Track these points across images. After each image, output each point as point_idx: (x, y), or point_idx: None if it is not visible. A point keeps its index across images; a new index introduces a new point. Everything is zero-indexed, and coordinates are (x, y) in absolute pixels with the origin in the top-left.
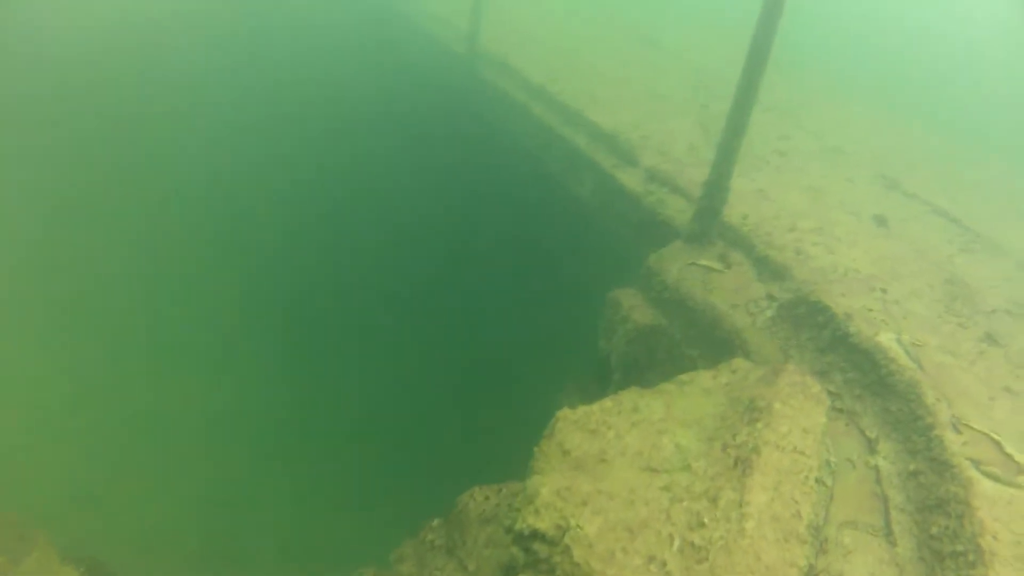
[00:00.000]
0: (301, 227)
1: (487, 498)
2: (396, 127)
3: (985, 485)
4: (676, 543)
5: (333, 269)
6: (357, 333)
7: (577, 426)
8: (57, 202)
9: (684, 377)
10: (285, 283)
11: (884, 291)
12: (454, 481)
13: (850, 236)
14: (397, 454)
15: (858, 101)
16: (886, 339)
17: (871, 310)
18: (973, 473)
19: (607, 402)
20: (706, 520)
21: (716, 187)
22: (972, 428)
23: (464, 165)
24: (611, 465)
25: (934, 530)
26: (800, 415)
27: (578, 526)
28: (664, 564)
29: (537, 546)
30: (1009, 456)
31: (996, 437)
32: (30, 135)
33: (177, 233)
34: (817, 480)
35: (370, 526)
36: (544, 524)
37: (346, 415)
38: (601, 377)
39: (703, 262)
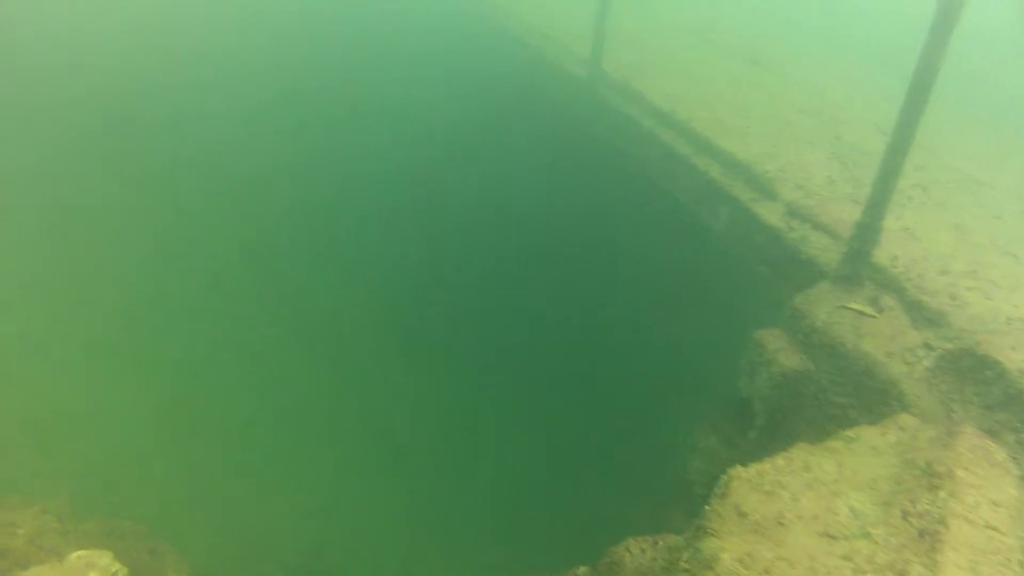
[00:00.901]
0: (425, 253)
1: (643, 551)
2: (519, 154)
3: None
4: None
5: (458, 296)
6: (482, 360)
7: (751, 486)
8: (123, 210)
9: (850, 433)
10: (408, 306)
11: None
12: (581, 518)
13: (1008, 280)
14: (517, 486)
15: (982, 123)
16: None
17: None
18: None
19: (779, 460)
20: None
21: (868, 228)
22: None
23: (588, 192)
24: (789, 530)
25: None
26: (987, 485)
27: None
28: None
29: None
30: None
31: None
32: (94, 130)
33: (290, 237)
34: (1020, 563)
35: (483, 556)
36: None
37: (463, 439)
38: (740, 419)
39: (853, 306)
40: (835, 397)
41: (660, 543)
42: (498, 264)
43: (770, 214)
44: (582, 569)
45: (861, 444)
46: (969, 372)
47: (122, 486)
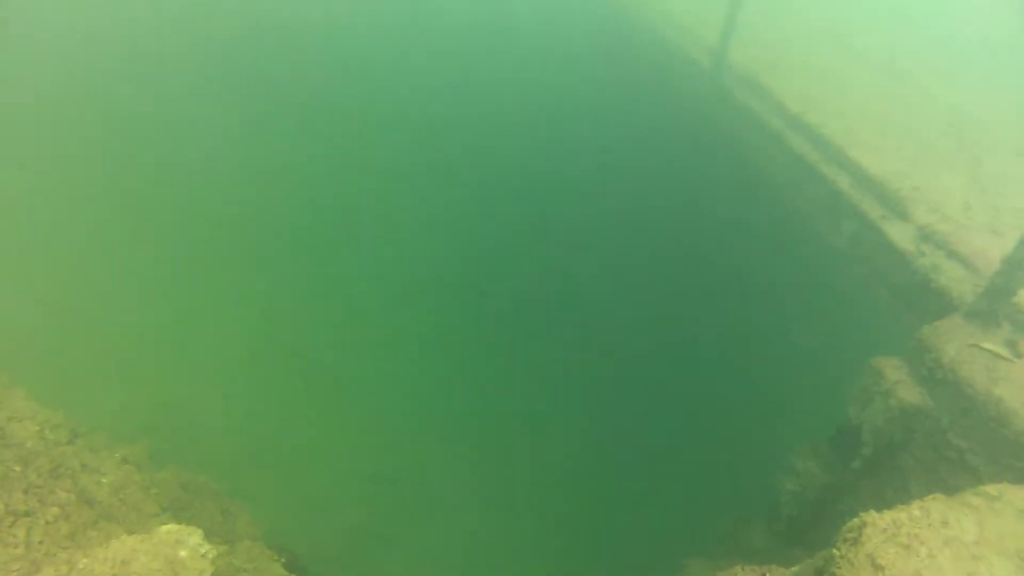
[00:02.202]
0: (523, 250)
1: None
2: (634, 141)
3: None
4: None
5: (552, 288)
6: (571, 357)
7: (886, 536)
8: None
9: (991, 490)
10: (490, 293)
11: None
12: (659, 522)
13: None
14: (593, 481)
15: None
16: None
17: None
18: None
19: (915, 511)
20: None
21: (1019, 265)
22: None
23: (704, 186)
24: None
25: None
26: None
27: None
28: None
29: None
30: None
31: None
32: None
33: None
34: None
35: (546, 542)
36: None
37: (539, 427)
38: (843, 446)
39: (987, 346)
40: (955, 440)
41: (767, 575)
42: (595, 254)
43: (900, 235)
44: None
45: (1004, 505)
46: None
47: (198, 435)
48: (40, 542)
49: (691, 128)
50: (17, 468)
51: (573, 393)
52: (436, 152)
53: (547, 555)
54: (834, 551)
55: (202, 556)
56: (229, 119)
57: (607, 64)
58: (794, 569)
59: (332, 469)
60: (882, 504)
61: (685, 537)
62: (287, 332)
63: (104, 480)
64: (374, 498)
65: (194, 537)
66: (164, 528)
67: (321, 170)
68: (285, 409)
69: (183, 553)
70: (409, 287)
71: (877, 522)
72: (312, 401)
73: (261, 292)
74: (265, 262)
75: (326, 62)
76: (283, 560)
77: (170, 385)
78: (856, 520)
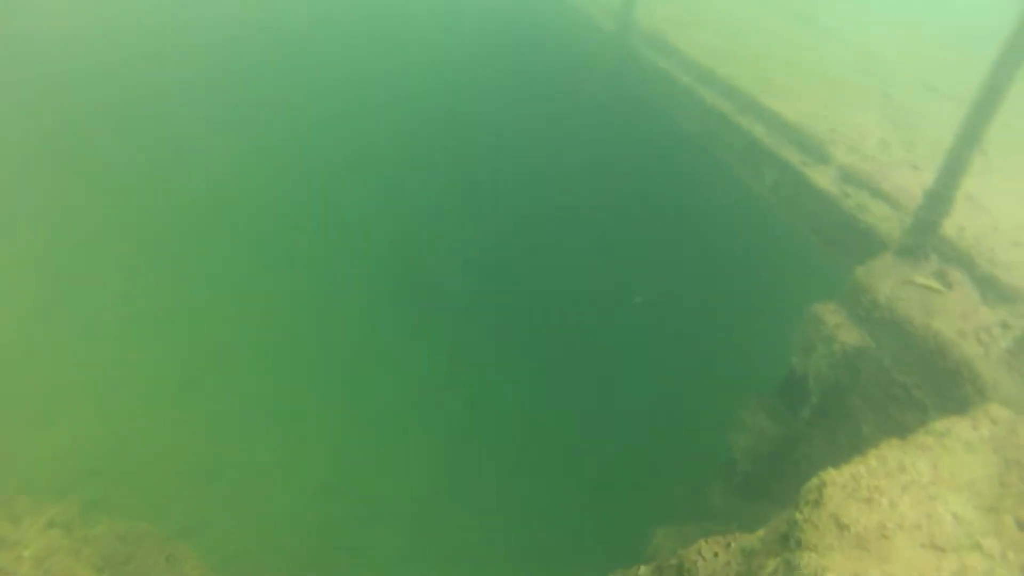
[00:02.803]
0: (441, 212)
1: (716, 555)
2: (541, 113)
3: None
4: None
5: (478, 261)
6: (507, 331)
7: (847, 492)
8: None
9: (939, 427)
10: (423, 268)
11: None
12: (618, 493)
13: None
14: (546, 461)
15: None
16: None
17: None
18: None
19: (871, 461)
20: None
21: (939, 198)
22: None
23: (620, 152)
24: (893, 542)
25: None
26: None
27: None
28: None
29: None
30: None
31: None
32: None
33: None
34: None
35: (505, 532)
36: None
37: (487, 412)
38: (791, 395)
39: (920, 280)
40: (900, 377)
41: (732, 545)
42: (519, 227)
43: (823, 178)
44: (643, 569)
45: (953, 440)
46: None
47: (131, 482)
48: None
49: (603, 94)
50: None
51: (516, 372)
52: (364, 118)
53: (511, 541)
54: (796, 515)
55: None
56: (202, 121)
57: (514, 38)
58: (759, 534)
59: (283, 485)
60: (836, 448)
61: (650, 505)
62: (214, 350)
63: (26, 553)
64: (331, 508)
65: None
66: None
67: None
68: (225, 431)
69: None
70: (342, 283)
71: (836, 479)
72: (253, 417)
73: (186, 313)
74: (183, 273)
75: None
76: None
77: (99, 424)
78: (815, 480)
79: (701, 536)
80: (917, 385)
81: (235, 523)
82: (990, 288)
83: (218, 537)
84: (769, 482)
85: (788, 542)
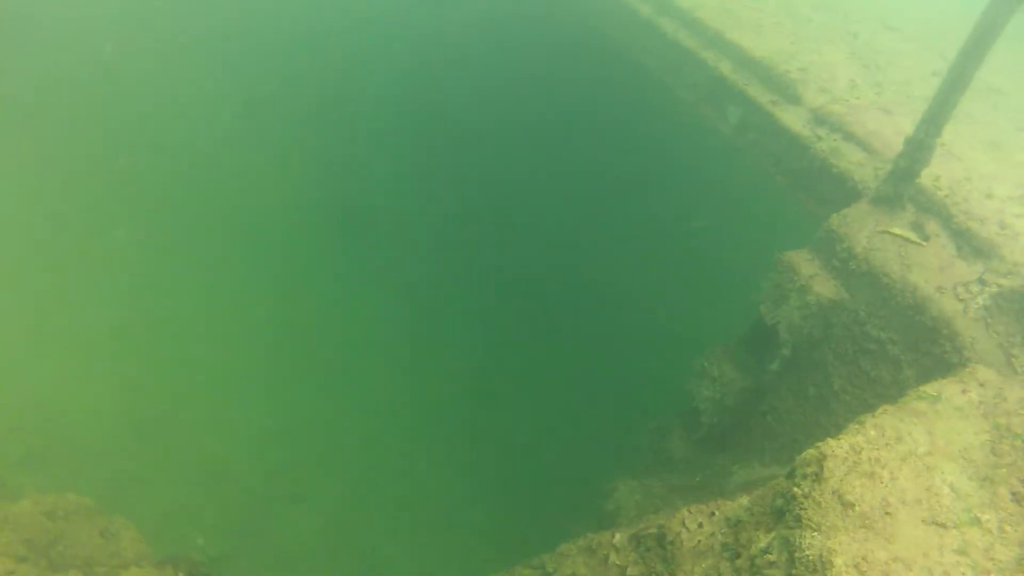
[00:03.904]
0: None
1: (700, 525)
2: (493, 47)
3: None
4: None
5: (437, 216)
6: (463, 279)
7: (848, 466)
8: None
9: (930, 390)
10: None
11: None
12: (578, 442)
13: None
14: (504, 403)
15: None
16: None
17: None
18: None
19: (870, 431)
20: None
21: (920, 146)
22: None
23: (575, 88)
24: (896, 519)
25: None
26: None
27: None
28: None
29: None
30: None
31: None
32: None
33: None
34: None
35: (454, 481)
36: None
37: (436, 355)
38: (758, 346)
39: (897, 231)
40: (874, 331)
41: (716, 514)
42: (475, 174)
43: (794, 120)
44: (618, 536)
45: (946, 406)
46: None
47: (59, 440)
48: None
49: (562, 28)
50: None
51: (472, 324)
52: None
53: (464, 487)
54: (795, 489)
55: None
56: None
57: None
58: (743, 502)
59: (223, 436)
60: (804, 402)
61: (609, 456)
62: (143, 303)
63: None
64: (275, 456)
65: None
66: None
67: None
68: (159, 385)
69: None
70: (271, 223)
71: (836, 452)
72: (187, 369)
73: (114, 267)
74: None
75: None
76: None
77: (25, 382)
78: (813, 452)
79: (665, 490)
80: (892, 340)
81: (173, 478)
82: (965, 241)
83: (155, 494)
84: (733, 433)
85: (784, 518)
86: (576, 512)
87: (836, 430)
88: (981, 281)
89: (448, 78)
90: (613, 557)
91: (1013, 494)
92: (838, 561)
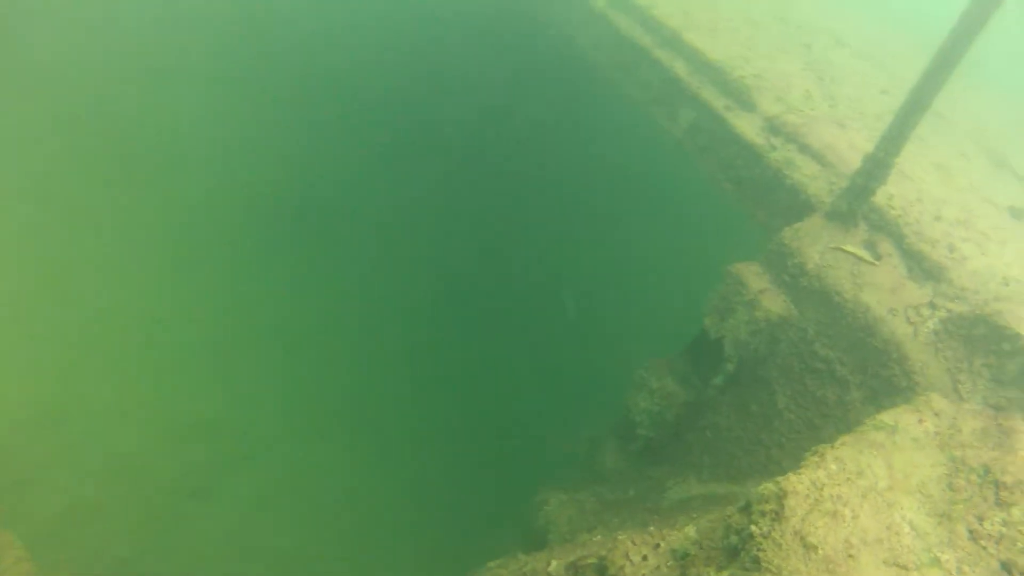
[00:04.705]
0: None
1: (645, 558)
2: (439, 37)
3: None
4: None
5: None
6: (378, 290)
7: (810, 504)
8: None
9: (886, 419)
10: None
11: None
12: (508, 446)
13: (995, 232)
14: (428, 402)
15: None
16: None
17: None
18: None
19: (831, 465)
20: None
21: (879, 164)
22: None
23: (524, 82)
24: (859, 562)
25: None
26: None
27: None
28: None
29: None
30: None
31: None
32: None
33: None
34: None
35: (372, 482)
36: None
37: (357, 348)
38: (701, 360)
39: (850, 248)
40: (822, 350)
41: (662, 546)
42: (421, 167)
43: (748, 127)
44: (554, 565)
45: (902, 435)
46: (981, 341)
47: None
48: None
49: (510, 18)
50: None
51: (396, 320)
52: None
53: (383, 489)
54: (753, 528)
55: None
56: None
57: None
58: (689, 533)
59: (131, 428)
60: (747, 419)
61: (539, 465)
62: (57, 283)
63: None
64: (188, 451)
65: None
66: None
67: None
68: (69, 372)
69: None
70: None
71: (798, 488)
72: (101, 356)
73: (21, 247)
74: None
75: None
76: None
77: None
78: (771, 487)
79: (598, 505)
80: (840, 360)
81: (78, 472)
82: (916, 263)
83: (55, 488)
84: (670, 447)
85: (739, 557)
86: (503, 521)
87: (778, 449)
88: (931, 305)
89: (401, 70)
90: None
91: (970, 532)
92: None
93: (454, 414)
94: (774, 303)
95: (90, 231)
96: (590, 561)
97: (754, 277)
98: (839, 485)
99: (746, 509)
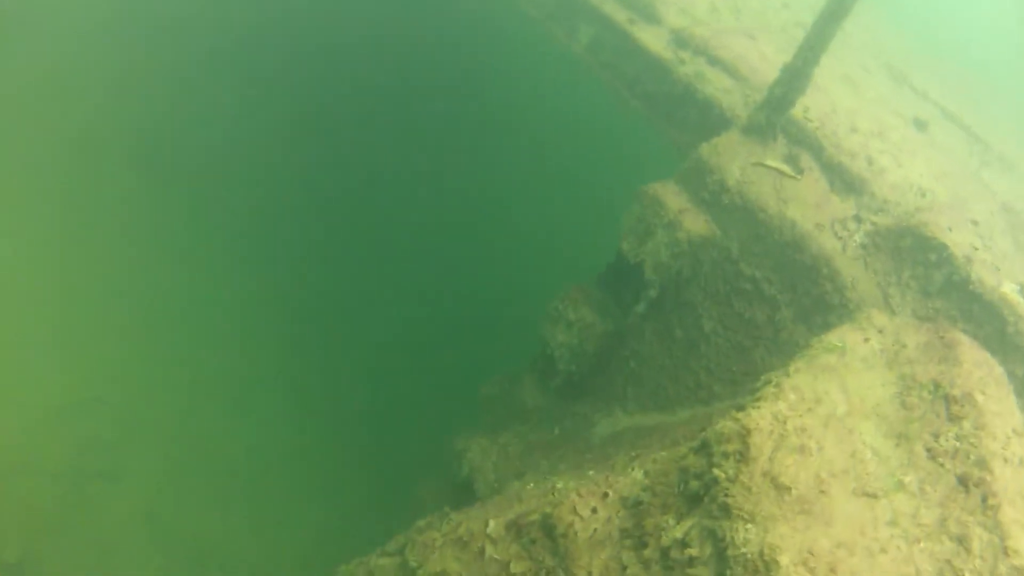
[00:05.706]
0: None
1: (594, 510)
2: None
3: None
4: None
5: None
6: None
7: (776, 440)
8: None
9: (834, 340)
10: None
11: (976, 223)
12: (426, 388)
13: (906, 144)
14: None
15: None
16: (1010, 290)
17: (976, 248)
18: None
19: (789, 395)
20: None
21: (797, 74)
22: None
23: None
24: (831, 497)
25: None
26: (1004, 411)
27: None
28: None
29: None
30: None
31: None
32: None
33: None
34: None
35: (285, 448)
36: None
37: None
38: (618, 286)
39: (772, 163)
40: (748, 270)
41: (610, 495)
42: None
43: (654, 41)
44: (492, 525)
45: (852, 356)
46: (909, 253)
47: None
48: None
49: None
50: None
51: (299, 263)
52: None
53: (297, 454)
54: (717, 472)
55: None
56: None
57: None
58: (638, 478)
59: (24, 404)
60: (671, 344)
61: (457, 406)
62: None
63: None
64: (86, 428)
65: None
66: None
67: None
68: None
69: None
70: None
71: (760, 424)
72: None
73: None
74: None
75: None
76: None
77: None
78: (731, 424)
79: (523, 448)
80: (768, 279)
81: None
82: (837, 176)
83: None
84: (592, 380)
85: (703, 504)
86: (424, 470)
87: (707, 374)
88: (857, 218)
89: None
90: (490, 550)
91: (928, 450)
92: (784, 560)
93: (365, 366)
94: (695, 223)
95: None
96: (533, 519)
97: (672, 196)
98: (801, 416)
99: (704, 450)
